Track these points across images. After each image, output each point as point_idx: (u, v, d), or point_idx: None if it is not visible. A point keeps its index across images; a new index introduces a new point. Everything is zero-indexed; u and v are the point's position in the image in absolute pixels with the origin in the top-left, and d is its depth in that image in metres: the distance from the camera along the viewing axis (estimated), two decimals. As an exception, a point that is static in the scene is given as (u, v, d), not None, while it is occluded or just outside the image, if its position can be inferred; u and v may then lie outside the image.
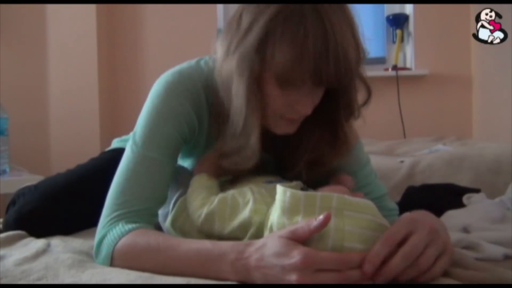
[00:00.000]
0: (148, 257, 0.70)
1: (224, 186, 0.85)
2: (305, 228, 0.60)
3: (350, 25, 0.73)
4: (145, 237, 0.72)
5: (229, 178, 0.88)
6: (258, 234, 0.70)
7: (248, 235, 0.71)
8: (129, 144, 0.83)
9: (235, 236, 0.73)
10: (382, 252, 0.58)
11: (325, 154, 0.83)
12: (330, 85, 0.74)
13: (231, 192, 0.77)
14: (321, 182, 0.81)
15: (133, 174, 0.79)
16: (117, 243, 0.73)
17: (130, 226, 0.74)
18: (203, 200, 0.77)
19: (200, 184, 0.81)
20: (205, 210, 0.76)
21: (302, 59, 0.69)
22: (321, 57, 0.69)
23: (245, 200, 0.74)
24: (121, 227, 0.74)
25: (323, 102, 0.79)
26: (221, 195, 0.77)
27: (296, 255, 0.57)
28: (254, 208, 0.72)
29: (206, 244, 0.67)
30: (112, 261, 0.73)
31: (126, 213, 0.76)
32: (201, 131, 0.86)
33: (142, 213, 0.78)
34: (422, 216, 0.65)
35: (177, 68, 0.87)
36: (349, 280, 0.57)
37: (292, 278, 0.57)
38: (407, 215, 0.64)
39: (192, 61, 0.88)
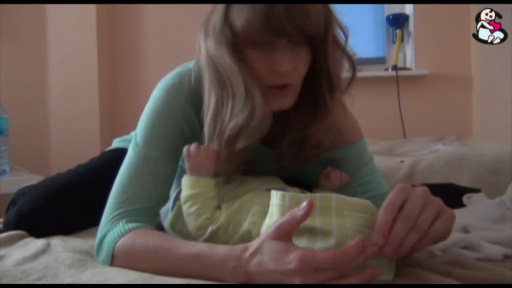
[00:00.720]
0: (146, 258, 0.70)
1: (219, 186, 0.84)
2: (290, 221, 0.60)
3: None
4: (144, 238, 0.72)
5: (223, 179, 0.87)
6: None
7: None
8: (131, 145, 0.83)
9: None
10: (387, 219, 0.59)
11: (309, 129, 0.82)
12: (289, 36, 0.73)
13: (235, 208, 0.76)
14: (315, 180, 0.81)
15: (134, 173, 0.80)
16: (117, 242, 0.73)
17: (130, 225, 0.75)
18: (207, 220, 0.76)
19: (204, 195, 0.78)
20: (209, 229, 0.75)
21: (256, 14, 0.71)
22: (273, 9, 0.70)
23: (246, 213, 0.74)
24: (121, 226, 0.75)
25: (307, 78, 0.80)
26: (226, 213, 0.76)
27: (292, 260, 0.58)
28: (252, 221, 0.72)
29: (204, 249, 0.67)
30: (113, 261, 0.73)
31: (127, 212, 0.77)
32: (203, 132, 0.86)
33: (143, 212, 0.78)
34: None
35: (176, 70, 0.87)
36: (351, 267, 0.58)
37: (296, 282, 0.57)
38: (399, 184, 0.65)
39: (191, 63, 0.88)
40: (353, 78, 0.84)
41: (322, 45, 0.78)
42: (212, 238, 0.75)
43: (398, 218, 0.60)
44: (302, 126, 0.82)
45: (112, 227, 0.75)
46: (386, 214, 0.60)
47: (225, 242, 0.74)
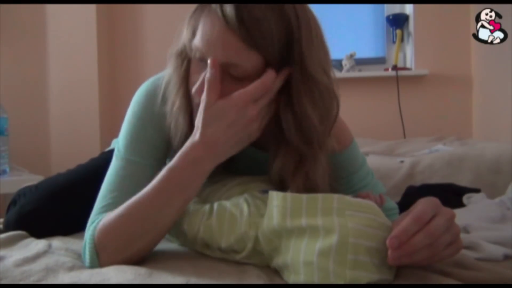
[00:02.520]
0: (125, 223, 0.71)
1: (213, 188, 0.84)
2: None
3: (272, 9, 0.68)
4: (113, 212, 0.73)
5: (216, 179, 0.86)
6: (256, 248, 0.71)
7: (246, 250, 0.71)
8: (114, 151, 0.83)
9: (233, 250, 0.73)
10: (412, 230, 0.59)
11: (290, 170, 0.77)
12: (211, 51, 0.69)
13: (228, 206, 0.75)
14: None
15: (115, 178, 0.80)
16: (94, 235, 0.73)
17: (101, 216, 0.75)
18: (195, 211, 0.76)
19: None
20: (203, 221, 0.74)
21: (203, 30, 0.71)
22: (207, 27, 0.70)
23: (242, 214, 0.73)
24: (95, 224, 0.75)
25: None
26: (217, 207, 0.75)
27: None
28: (249, 222, 0.71)
29: (163, 170, 0.71)
30: (99, 257, 0.71)
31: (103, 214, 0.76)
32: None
33: None
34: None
35: (157, 76, 0.87)
36: None
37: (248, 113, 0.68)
38: (430, 198, 0.65)
39: None
40: (335, 119, 0.76)
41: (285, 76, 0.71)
42: (207, 231, 0.74)
43: (422, 231, 0.60)
44: (283, 169, 0.78)
45: (88, 230, 0.75)
46: (413, 224, 0.60)
47: (219, 241, 0.73)
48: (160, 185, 0.71)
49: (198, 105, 0.71)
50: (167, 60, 0.80)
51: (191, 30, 0.75)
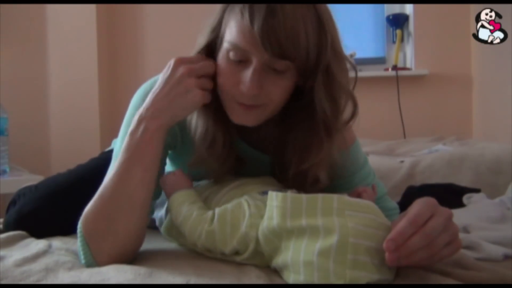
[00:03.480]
0: (98, 204, 0.75)
1: (213, 190, 0.84)
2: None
3: (309, 16, 0.72)
4: (89, 204, 0.76)
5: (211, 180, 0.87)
6: (257, 249, 0.70)
7: (248, 251, 0.71)
8: (113, 153, 0.84)
9: (236, 251, 0.73)
10: (408, 232, 0.59)
11: (305, 162, 0.79)
12: (265, 54, 0.70)
13: (229, 208, 0.74)
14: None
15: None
16: (81, 227, 0.74)
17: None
18: (198, 217, 0.75)
19: (184, 201, 0.78)
20: (205, 228, 0.73)
21: (243, 26, 0.71)
22: (261, 27, 0.69)
23: (244, 216, 0.73)
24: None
25: (302, 110, 0.78)
26: (219, 211, 0.75)
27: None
28: (250, 223, 0.71)
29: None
30: (90, 248, 0.73)
31: None
32: (185, 139, 0.85)
33: None
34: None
35: (156, 77, 0.86)
36: None
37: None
38: (427, 198, 0.65)
39: None
40: (352, 117, 0.80)
41: (311, 78, 0.75)
42: (209, 238, 0.73)
43: (419, 232, 0.60)
44: (299, 158, 0.80)
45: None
46: (408, 226, 0.60)
47: (224, 242, 0.73)
48: (119, 160, 0.75)
49: (233, 99, 0.76)
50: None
51: (224, 29, 0.76)
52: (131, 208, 0.74)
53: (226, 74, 0.75)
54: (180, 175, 0.81)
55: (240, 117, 0.78)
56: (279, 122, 0.83)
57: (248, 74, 0.72)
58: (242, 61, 0.73)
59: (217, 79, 0.77)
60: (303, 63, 0.72)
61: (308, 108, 0.77)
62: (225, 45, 0.74)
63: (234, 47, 0.72)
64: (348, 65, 0.78)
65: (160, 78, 0.77)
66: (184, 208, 0.76)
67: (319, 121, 0.77)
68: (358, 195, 0.80)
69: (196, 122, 0.81)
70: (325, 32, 0.73)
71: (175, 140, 0.86)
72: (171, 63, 0.77)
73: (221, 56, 0.76)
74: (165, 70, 0.77)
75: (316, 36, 0.72)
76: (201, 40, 0.79)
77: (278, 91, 0.75)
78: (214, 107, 0.79)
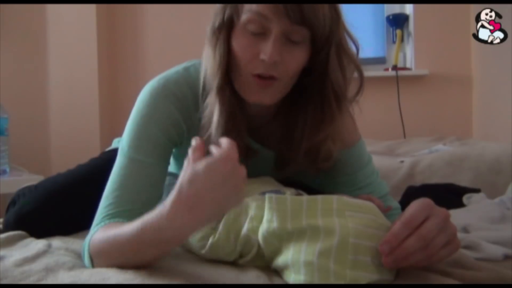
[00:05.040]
0: (112, 249, 0.68)
1: None
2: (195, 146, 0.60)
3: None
4: (110, 229, 0.70)
5: None
6: (259, 252, 0.71)
7: (251, 254, 0.71)
8: (118, 150, 0.83)
9: (240, 255, 0.73)
10: (402, 234, 0.59)
11: (317, 136, 0.81)
12: (289, 20, 0.72)
13: (231, 216, 0.74)
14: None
15: (118, 178, 0.79)
16: (90, 243, 0.72)
17: (103, 223, 0.74)
18: (211, 229, 0.74)
19: None
20: (210, 241, 0.73)
21: None
22: None
23: (245, 218, 0.73)
24: (95, 228, 0.74)
25: (312, 83, 0.80)
26: (224, 222, 0.73)
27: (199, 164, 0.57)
28: (251, 227, 0.71)
29: (147, 215, 0.64)
30: (93, 262, 0.71)
31: (106, 216, 0.76)
32: (190, 135, 0.85)
33: (123, 213, 0.76)
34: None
35: (163, 74, 0.87)
36: None
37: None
38: (423, 199, 0.64)
39: (180, 67, 0.89)
40: (360, 88, 0.84)
41: (323, 50, 0.78)
42: (213, 250, 0.73)
43: (414, 234, 0.60)
44: (311, 131, 0.82)
45: (92, 232, 0.75)
46: (403, 228, 0.60)
47: (229, 253, 0.73)
48: (136, 233, 0.64)
49: (250, 74, 0.76)
50: (206, 40, 0.80)
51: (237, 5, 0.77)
52: (143, 263, 0.69)
53: (245, 47, 0.76)
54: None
55: (256, 94, 0.78)
56: (286, 115, 0.85)
57: (268, 43, 0.74)
58: (260, 33, 0.75)
59: (235, 57, 0.77)
60: (320, 32, 0.75)
61: (317, 83, 0.80)
62: (244, 16, 0.75)
63: (256, 15, 0.74)
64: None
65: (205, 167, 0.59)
66: None
67: (330, 93, 0.80)
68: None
69: (210, 114, 0.81)
70: (337, 8, 0.79)
71: (182, 137, 0.86)
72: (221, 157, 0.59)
73: (238, 30, 0.77)
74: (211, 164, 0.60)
75: (331, 9, 0.77)
76: (217, 18, 0.78)
77: (294, 63, 0.77)
78: (228, 99, 0.79)
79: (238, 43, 0.77)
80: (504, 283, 0.63)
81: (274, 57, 0.73)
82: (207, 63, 0.80)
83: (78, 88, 2.25)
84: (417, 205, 0.62)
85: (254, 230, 0.71)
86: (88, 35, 2.26)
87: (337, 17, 0.78)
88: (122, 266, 0.67)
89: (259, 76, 0.76)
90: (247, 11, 0.74)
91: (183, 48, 2.38)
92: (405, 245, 0.59)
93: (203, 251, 0.74)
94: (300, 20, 0.72)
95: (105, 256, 0.70)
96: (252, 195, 0.77)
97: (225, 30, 0.78)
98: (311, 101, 0.82)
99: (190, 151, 0.60)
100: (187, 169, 0.59)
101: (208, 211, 0.59)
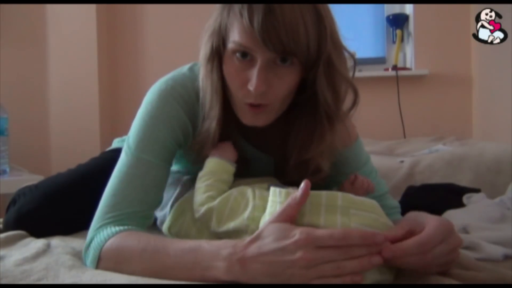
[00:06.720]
0: (135, 258, 0.68)
1: None
2: (292, 204, 0.61)
3: (308, 9, 0.73)
4: (134, 238, 0.70)
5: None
6: None
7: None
8: (124, 148, 0.83)
9: (229, 237, 0.73)
10: (411, 252, 0.59)
11: (307, 152, 0.81)
12: (269, 49, 0.71)
13: (233, 193, 0.77)
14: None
15: (125, 176, 0.79)
16: (104, 245, 0.71)
17: (118, 228, 0.73)
18: (210, 198, 0.77)
19: (218, 175, 0.81)
20: (205, 207, 0.76)
21: (243, 26, 0.71)
22: (260, 26, 0.70)
23: (245, 205, 0.74)
24: (108, 230, 0.73)
25: (306, 100, 0.80)
26: (224, 194, 0.77)
27: (296, 234, 0.57)
28: (252, 216, 0.71)
29: (201, 242, 0.66)
30: (99, 264, 0.71)
31: (117, 216, 0.76)
32: (195, 137, 0.86)
33: (133, 215, 0.76)
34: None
35: (170, 75, 0.87)
36: (353, 255, 0.57)
37: (296, 256, 0.56)
38: (444, 222, 0.64)
39: (185, 67, 0.89)
40: (354, 105, 0.82)
41: (313, 70, 0.76)
42: (206, 217, 0.76)
43: (415, 238, 0.60)
44: (301, 148, 0.82)
45: (100, 231, 0.74)
46: (413, 248, 0.59)
47: (217, 224, 0.75)
48: (186, 252, 0.65)
49: (242, 100, 0.76)
50: (201, 64, 0.82)
51: (226, 28, 0.76)
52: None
53: (233, 74, 0.76)
54: (229, 146, 0.84)
55: (250, 119, 0.79)
56: (285, 123, 0.84)
57: (254, 72, 0.73)
58: (248, 60, 0.74)
59: (227, 81, 0.78)
60: (305, 56, 0.73)
61: (311, 101, 0.79)
62: (230, 45, 0.75)
63: (239, 46, 0.73)
64: (346, 55, 0.80)
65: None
66: (212, 179, 0.80)
67: (322, 111, 0.79)
68: (353, 181, 0.84)
69: (209, 121, 0.82)
70: (324, 24, 0.74)
71: (187, 139, 0.86)
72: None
73: (227, 57, 0.76)
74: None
75: (316, 28, 0.73)
76: (207, 46, 0.79)
77: (284, 86, 0.76)
78: (223, 107, 0.80)
79: (227, 70, 0.77)
80: (504, 283, 0.63)
81: (260, 88, 0.73)
82: (205, 86, 0.81)
83: (78, 88, 2.25)
84: (436, 226, 0.62)
85: (254, 219, 0.71)
86: (88, 35, 2.26)
87: (324, 34, 0.74)
88: (129, 271, 0.68)
89: (250, 104, 0.77)
90: (231, 42, 0.74)
91: (183, 48, 2.38)
92: (404, 247, 0.60)
93: (197, 215, 0.77)
94: (282, 50, 0.71)
95: (119, 264, 0.69)
96: (261, 185, 0.79)
97: (217, 58, 0.78)
98: (304, 119, 0.81)
99: (305, 234, 0.57)
100: (283, 239, 0.58)
101: (254, 274, 0.59)
